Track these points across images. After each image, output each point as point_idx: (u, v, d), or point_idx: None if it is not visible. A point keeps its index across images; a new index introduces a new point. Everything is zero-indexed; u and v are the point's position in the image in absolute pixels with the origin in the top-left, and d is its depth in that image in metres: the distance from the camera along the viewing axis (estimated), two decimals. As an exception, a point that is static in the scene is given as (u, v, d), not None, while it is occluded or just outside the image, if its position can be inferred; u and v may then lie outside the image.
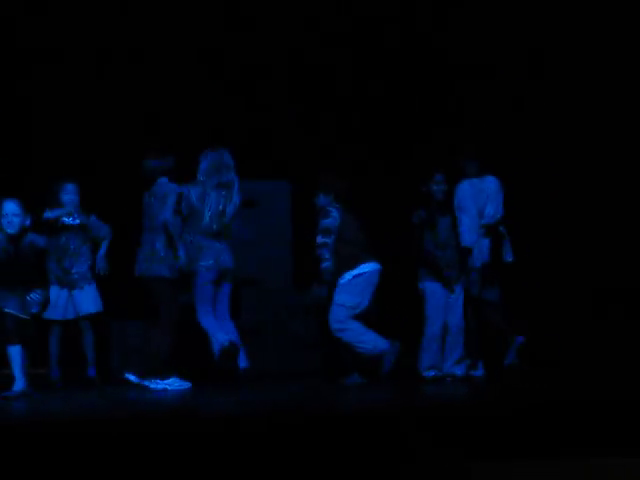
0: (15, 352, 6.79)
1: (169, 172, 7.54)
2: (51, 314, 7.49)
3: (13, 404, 6.57)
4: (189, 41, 8.98)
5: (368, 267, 7.47)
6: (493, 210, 7.82)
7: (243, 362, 7.43)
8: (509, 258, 7.87)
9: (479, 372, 7.71)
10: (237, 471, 4.65)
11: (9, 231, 6.92)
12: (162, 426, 5.11)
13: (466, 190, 7.71)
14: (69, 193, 7.75)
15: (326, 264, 7.43)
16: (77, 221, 7.76)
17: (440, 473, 4.74)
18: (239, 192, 7.60)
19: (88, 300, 7.72)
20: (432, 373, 7.54)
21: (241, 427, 5.01)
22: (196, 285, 7.45)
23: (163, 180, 7.51)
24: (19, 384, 6.80)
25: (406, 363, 7.52)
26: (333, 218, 7.48)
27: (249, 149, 8.77)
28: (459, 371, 7.58)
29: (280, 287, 8.73)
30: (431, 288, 7.59)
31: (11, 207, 6.93)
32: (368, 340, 7.39)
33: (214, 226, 7.46)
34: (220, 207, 7.48)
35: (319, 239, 7.46)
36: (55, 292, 7.53)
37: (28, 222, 6.99)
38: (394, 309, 8.05)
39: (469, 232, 7.62)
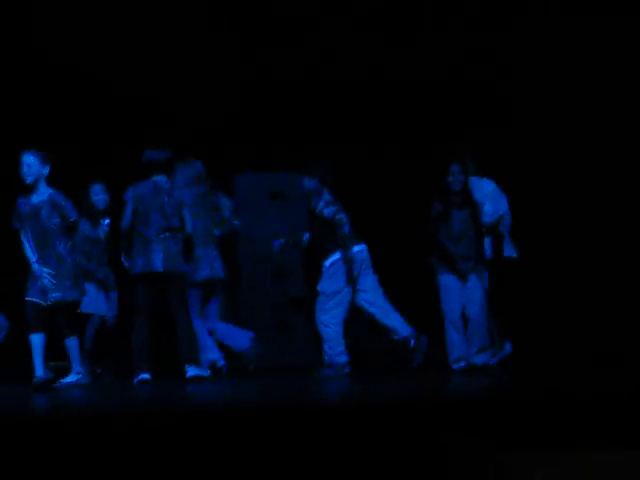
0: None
1: (168, 167, 7.59)
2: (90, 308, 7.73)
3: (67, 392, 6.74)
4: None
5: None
6: (492, 209, 7.97)
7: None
8: (512, 254, 8.04)
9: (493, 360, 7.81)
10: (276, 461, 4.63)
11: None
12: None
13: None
14: (98, 194, 7.93)
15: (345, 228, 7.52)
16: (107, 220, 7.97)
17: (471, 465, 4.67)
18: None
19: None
20: (462, 364, 7.52)
21: (272, 419, 4.97)
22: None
23: (163, 178, 7.57)
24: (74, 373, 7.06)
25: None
26: (325, 200, 7.58)
27: (279, 141, 8.78)
28: (479, 360, 7.52)
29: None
30: (445, 280, 7.58)
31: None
32: (335, 347, 7.48)
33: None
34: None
35: (328, 212, 7.54)
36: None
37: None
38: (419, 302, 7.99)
39: None
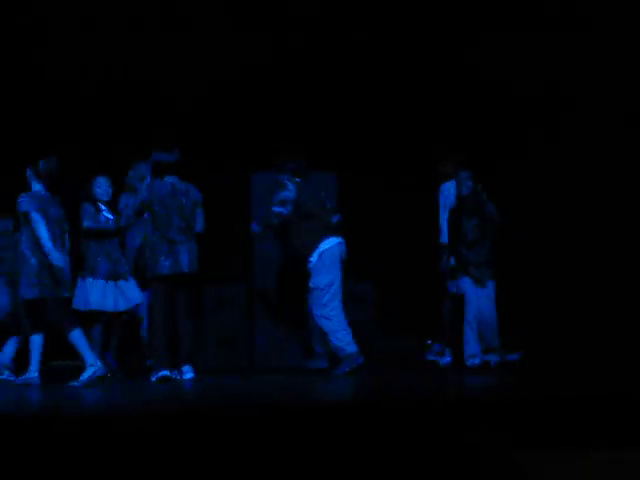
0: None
1: (178, 168, 7.66)
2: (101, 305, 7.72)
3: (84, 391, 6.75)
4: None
5: (329, 243, 7.56)
6: None
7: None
8: None
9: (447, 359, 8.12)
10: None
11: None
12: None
13: (448, 189, 8.11)
14: (101, 186, 7.90)
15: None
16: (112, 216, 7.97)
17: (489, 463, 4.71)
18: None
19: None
20: (475, 361, 7.65)
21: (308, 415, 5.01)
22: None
23: (176, 179, 7.63)
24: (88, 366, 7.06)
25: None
26: (289, 190, 7.64)
27: (297, 140, 8.80)
28: (486, 359, 7.67)
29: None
30: (461, 283, 7.77)
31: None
32: (343, 337, 7.47)
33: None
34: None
35: (275, 209, 7.65)
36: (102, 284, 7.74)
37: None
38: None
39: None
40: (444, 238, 8.05)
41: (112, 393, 6.77)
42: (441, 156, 8.35)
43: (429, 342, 8.35)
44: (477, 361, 7.65)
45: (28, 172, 7.18)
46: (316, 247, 7.54)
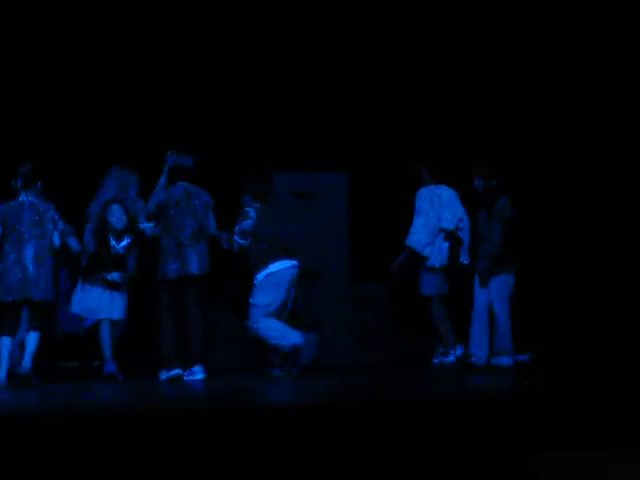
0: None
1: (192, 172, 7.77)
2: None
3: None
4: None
5: (279, 265, 7.64)
6: (451, 215, 8.28)
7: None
8: (465, 260, 8.30)
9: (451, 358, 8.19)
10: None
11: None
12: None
13: (425, 196, 8.24)
14: (115, 214, 7.86)
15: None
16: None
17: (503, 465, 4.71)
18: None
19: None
20: (478, 360, 7.60)
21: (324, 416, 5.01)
22: None
23: (187, 182, 7.75)
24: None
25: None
26: (251, 219, 7.74)
27: (307, 141, 8.82)
28: (496, 362, 7.58)
29: (337, 279, 8.68)
30: (474, 277, 7.75)
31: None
32: (277, 336, 7.53)
33: None
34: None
35: (236, 238, 7.76)
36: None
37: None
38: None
39: (418, 233, 8.20)
40: (411, 242, 8.23)
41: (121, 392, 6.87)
42: (412, 159, 8.46)
43: (436, 361, 8.32)
44: (481, 361, 7.59)
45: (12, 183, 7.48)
46: (265, 267, 7.62)
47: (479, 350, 7.58)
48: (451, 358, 8.21)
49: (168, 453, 4.66)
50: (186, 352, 7.57)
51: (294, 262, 7.70)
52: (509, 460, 4.73)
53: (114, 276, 7.69)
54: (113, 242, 7.81)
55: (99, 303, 7.78)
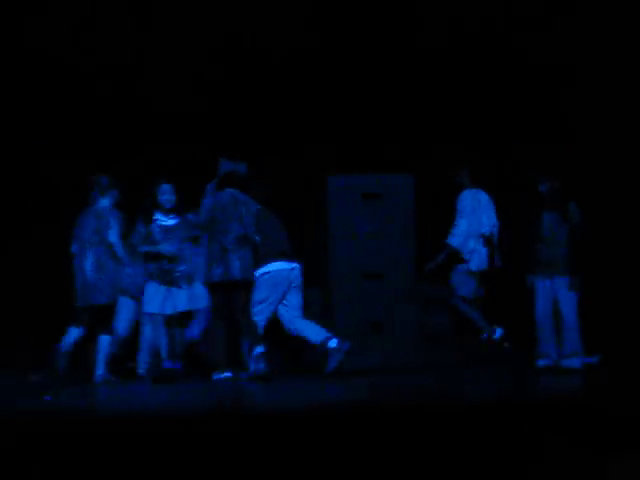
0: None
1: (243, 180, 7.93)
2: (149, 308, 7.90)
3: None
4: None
5: (275, 266, 7.89)
6: (487, 219, 8.38)
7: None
8: (499, 264, 8.43)
9: None
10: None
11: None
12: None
13: (467, 198, 8.29)
14: (165, 193, 7.96)
15: None
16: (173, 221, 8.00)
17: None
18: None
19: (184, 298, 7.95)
20: (543, 362, 7.65)
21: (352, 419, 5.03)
22: None
23: (234, 190, 7.89)
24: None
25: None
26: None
27: (374, 143, 8.84)
28: (566, 364, 7.63)
29: (403, 280, 8.69)
30: (532, 279, 7.85)
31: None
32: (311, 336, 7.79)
33: None
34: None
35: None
36: (154, 288, 7.89)
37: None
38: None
39: (462, 236, 8.26)
40: (453, 242, 8.30)
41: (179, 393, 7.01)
42: (455, 165, 8.51)
43: (485, 336, 8.34)
44: (543, 363, 7.60)
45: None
46: (264, 266, 7.87)
47: (548, 351, 7.58)
48: (498, 333, 8.23)
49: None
50: (236, 354, 7.78)
51: (293, 265, 7.95)
52: (578, 465, 4.69)
53: (165, 247, 7.79)
54: (161, 217, 7.92)
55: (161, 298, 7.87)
